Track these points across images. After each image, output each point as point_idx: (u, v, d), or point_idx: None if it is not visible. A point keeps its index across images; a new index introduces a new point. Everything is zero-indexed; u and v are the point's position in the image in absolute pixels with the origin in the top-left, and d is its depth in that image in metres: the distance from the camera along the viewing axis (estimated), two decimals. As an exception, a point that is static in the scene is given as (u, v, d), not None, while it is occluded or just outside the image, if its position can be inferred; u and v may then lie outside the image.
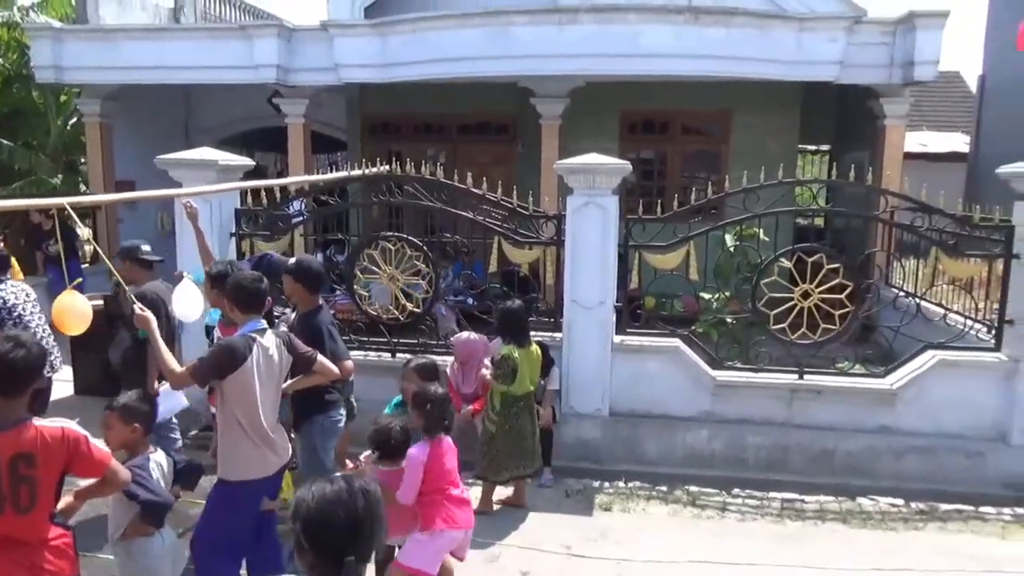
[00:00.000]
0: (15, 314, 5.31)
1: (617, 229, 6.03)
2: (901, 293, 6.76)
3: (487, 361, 5.41)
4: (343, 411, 4.47)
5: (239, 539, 3.67)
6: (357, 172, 6.66)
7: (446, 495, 3.72)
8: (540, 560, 4.61)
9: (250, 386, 3.51)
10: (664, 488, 5.65)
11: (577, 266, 5.99)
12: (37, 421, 2.68)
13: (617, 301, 6.11)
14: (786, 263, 6.01)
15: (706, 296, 6.59)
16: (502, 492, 5.35)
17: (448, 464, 3.77)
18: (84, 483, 3.00)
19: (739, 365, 6.13)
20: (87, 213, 12.43)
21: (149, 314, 3.53)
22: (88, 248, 10.51)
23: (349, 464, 5.75)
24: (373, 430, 3.80)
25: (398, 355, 6.39)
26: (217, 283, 4.02)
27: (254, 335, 3.58)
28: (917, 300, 6.22)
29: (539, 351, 5.36)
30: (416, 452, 3.70)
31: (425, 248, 6.26)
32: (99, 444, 2.87)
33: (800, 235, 9.42)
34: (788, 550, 4.80)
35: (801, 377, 5.93)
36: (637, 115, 11.30)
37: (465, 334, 5.76)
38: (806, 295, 5.90)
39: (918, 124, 15.43)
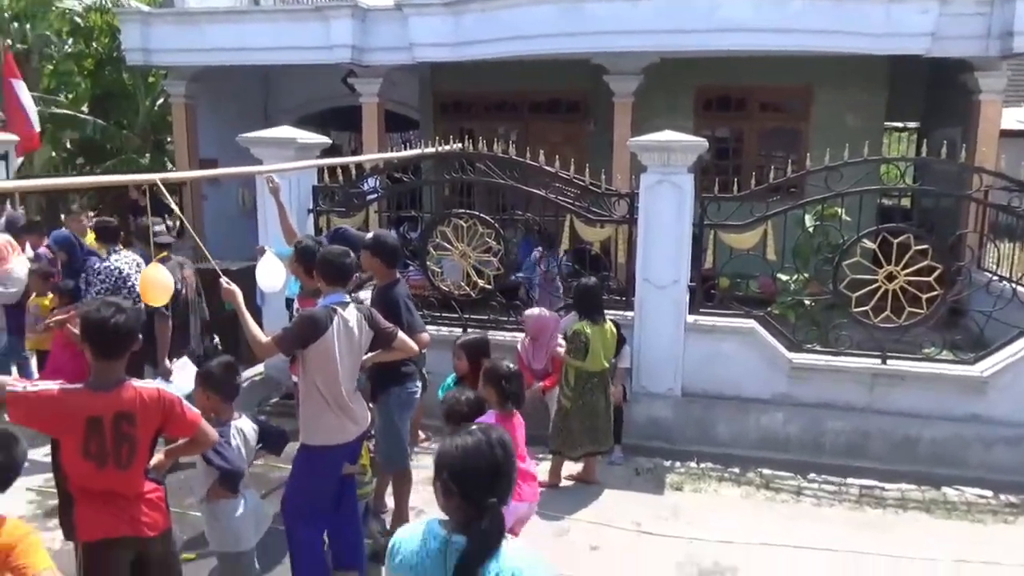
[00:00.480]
0: (128, 284, 5.59)
1: (692, 208, 5.92)
2: (995, 277, 6.43)
3: (560, 338, 5.42)
4: (419, 383, 4.55)
5: (321, 503, 3.79)
6: (430, 150, 6.73)
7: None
8: (610, 536, 4.61)
9: (331, 356, 3.61)
10: (736, 470, 5.57)
11: (650, 245, 5.91)
12: (135, 383, 2.83)
13: (691, 281, 6.01)
14: (870, 244, 5.79)
15: (784, 277, 6.41)
16: (572, 468, 5.37)
17: (516, 438, 3.79)
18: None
19: (818, 348, 5.96)
20: (174, 190, 12.98)
21: (235, 288, 3.69)
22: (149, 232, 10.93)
23: (421, 435, 5.91)
24: (444, 403, 3.84)
25: (469, 330, 6.47)
26: (303, 257, 4.12)
27: (336, 307, 3.67)
28: (1013, 284, 5.91)
29: (614, 329, 5.33)
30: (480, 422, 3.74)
31: (496, 225, 6.29)
32: (191, 407, 3.00)
33: (884, 215, 9.03)
34: (866, 537, 4.67)
35: (884, 362, 5.72)
36: (713, 91, 11.01)
37: (536, 310, 5.79)
38: (891, 277, 5.68)
39: (1016, 100, 14.55)
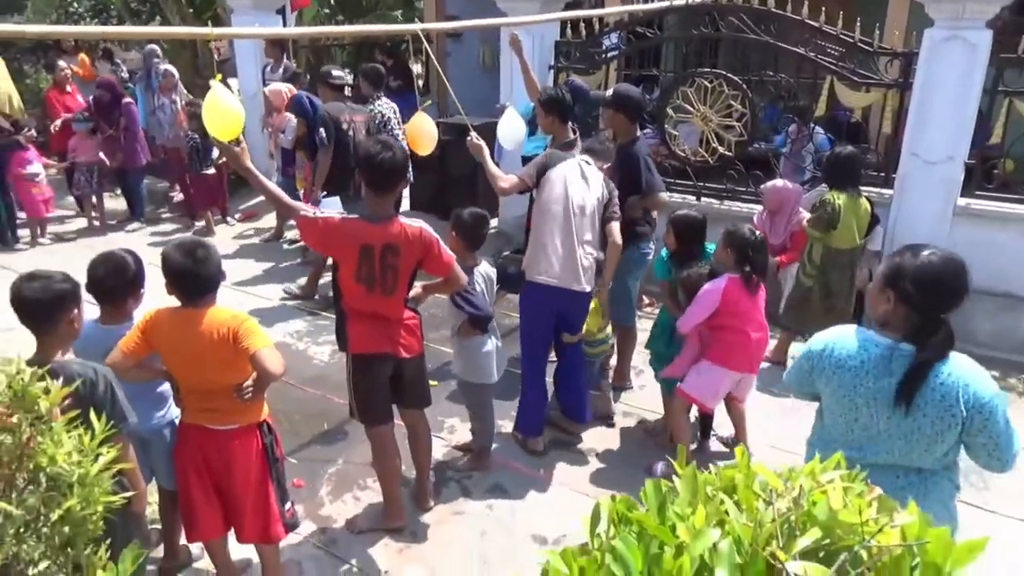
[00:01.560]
0: (388, 128, 6.13)
1: (984, 71, 5.07)
2: None
3: (803, 212, 5.08)
4: (651, 244, 4.53)
5: (537, 343, 4.03)
6: (679, 1, 6.30)
7: (738, 334, 3.65)
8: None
9: (558, 196, 3.76)
10: (996, 374, 5.01)
11: (924, 113, 5.20)
12: (402, 219, 3.10)
13: (968, 158, 5.26)
14: None
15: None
16: (796, 349, 5.15)
17: (745, 305, 3.67)
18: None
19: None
20: (418, 49, 13.55)
21: (482, 143, 3.90)
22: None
23: (645, 299, 5.95)
24: (688, 278, 3.78)
25: (703, 199, 6.25)
26: (549, 107, 4.16)
27: (574, 154, 3.83)
28: None
29: (868, 205, 4.86)
30: (710, 285, 3.66)
31: (745, 87, 5.86)
32: (447, 249, 3.24)
33: None
34: None
35: None
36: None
37: (779, 181, 5.43)
38: None
39: None
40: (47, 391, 1.91)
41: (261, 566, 3.09)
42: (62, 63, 8.96)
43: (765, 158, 6.54)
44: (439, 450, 3.98)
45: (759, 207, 5.60)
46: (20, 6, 15.91)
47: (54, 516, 1.83)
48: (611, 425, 4.40)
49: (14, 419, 1.82)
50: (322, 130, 5.92)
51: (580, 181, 3.83)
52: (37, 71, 12.26)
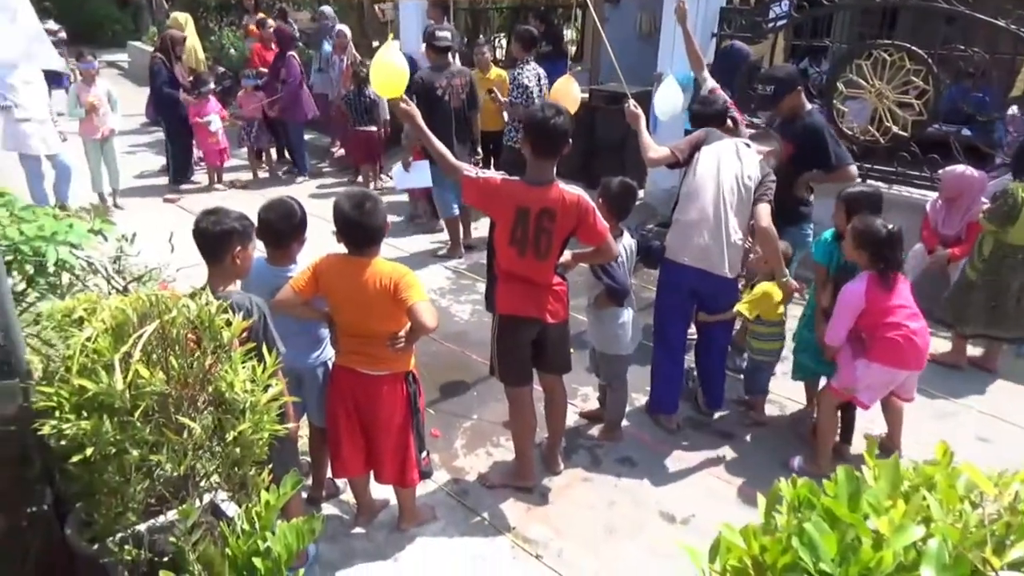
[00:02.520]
0: (528, 94, 6.15)
1: None
2: None
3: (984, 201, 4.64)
4: (811, 226, 4.32)
5: (672, 323, 3.94)
6: (861, -32, 5.85)
7: (895, 328, 3.41)
8: (1002, 431, 4.08)
9: (709, 175, 3.66)
10: None
11: None
12: (561, 185, 3.12)
13: None
14: None
15: None
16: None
17: (895, 300, 3.41)
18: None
19: None
20: (570, 16, 13.41)
21: (640, 112, 3.88)
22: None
23: (794, 283, 5.67)
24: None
25: (869, 182, 5.84)
26: (699, 121, 4.10)
27: (718, 131, 3.77)
28: None
29: (1060, 202, 4.36)
30: (851, 287, 3.44)
31: (930, 62, 5.38)
32: (602, 219, 3.22)
33: None
34: None
35: None
36: None
37: (961, 167, 4.96)
38: None
39: None
40: (228, 323, 2.09)
41: (398, 506, 3.26)
42: (270, 21, 9.50)
43: (945, 141, 6.00)
44: (571, 417, 4.01)
45: (933, 194, 5.16)
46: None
47: (228, 437, 2.01)
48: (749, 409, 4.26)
49: (201, 345, 2.01)
50: (415, 95, 5.68)
51: (734, 161, 3.69)
52: (220, 28, 13.22)
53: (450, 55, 6.32)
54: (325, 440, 3.23)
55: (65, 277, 2.93)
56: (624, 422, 4.04)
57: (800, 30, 6.99)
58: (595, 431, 4.04)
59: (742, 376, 4.32)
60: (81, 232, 2.80)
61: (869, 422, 4.02)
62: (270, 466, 2.24)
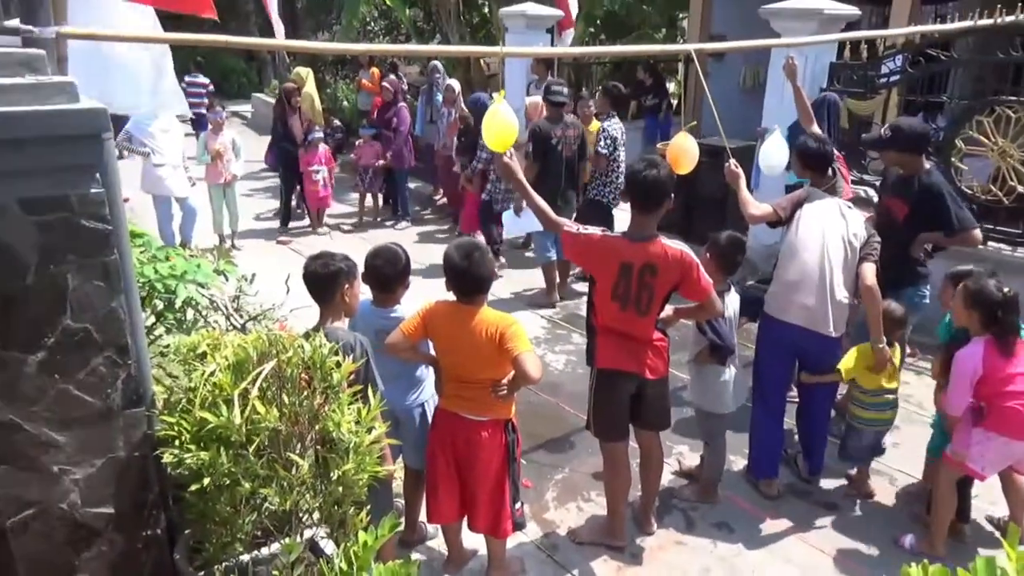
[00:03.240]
0: (616, 147, 6.25)
1: None
2: None
3: None
4: (928, 288, 4.11)
5: (771, 382, 3.81)
6: (984, 22, 5.63)
7: (1017, 399, 3.15)
8: None
9: (812, 235, 3.59)
10: None
11: None
12: (663, 240, 3.11)
13: None
14: None
15: None
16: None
17: (1017, 368, 3.17)
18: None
19: None
20: (674, 69, 13.47)
21: (740, 171, 3.89)
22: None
23: (908, 350, 5.37)
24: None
25: (990, 243, 5.52)
26: (807, 161, 3.98)
27: (819, 190, 3.71)
28: None
29: None
30: (965, 352, 3.23)
31: (1061, 119, 5.09)
32: (705, 275, 3.18)
33: None
34: None
35: None
36: None
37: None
38: None
39: None
40: (338, 364, 2.17)
41: (488, 556, 3.25)
42: (393, 76, 10.07)
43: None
44: (665, 476, 3.91)
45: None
46: (329, 25, 18.28)
47: (333, 476, 2.08)
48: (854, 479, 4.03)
49: (312, 385, 2.09)
50: (530, 144, 6.18)
51: (839, 220, 3.60)
52: (336, 81, 14.00)
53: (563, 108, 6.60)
54: (419, 483, 3.27)
55: (190, 313, 3.13)
56: (721, 484, 3.90)
57: (914, 85, 6.76)
58: (691, 492, 3.92)
59: None
60: (207, 272, 2.99)
61: (991, 504, 3.73)
62: (367, 507, 2.30)
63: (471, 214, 7.46)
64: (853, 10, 6.39)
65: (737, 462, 4.12)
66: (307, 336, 2.30)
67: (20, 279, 1.98)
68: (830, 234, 3.57)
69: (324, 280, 2.80)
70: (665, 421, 3.46)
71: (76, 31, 2.33)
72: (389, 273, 3.11)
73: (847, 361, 3.69)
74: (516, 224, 6.62)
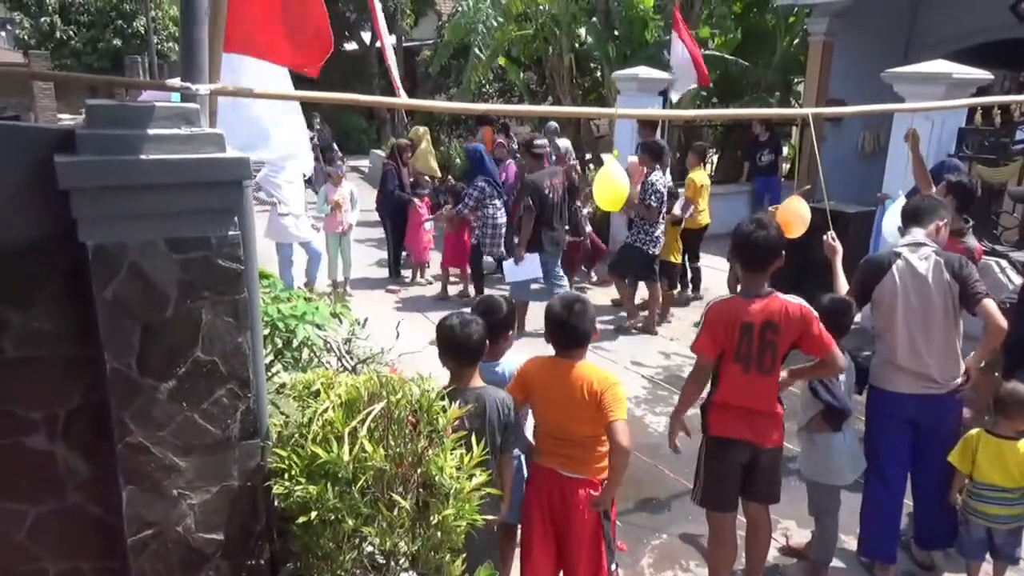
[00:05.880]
0: (663, 201, 6.70)
1: None
2: None
3: None
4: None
5: (885, 456, 3.56)
6: None
7: None
8: None
9: (890, 303, 3.40)
10: None
11: None
12: (780, 296, 3.05)
13: None
14: None
15: None
16: None
17: None
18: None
19: None
20: (788, 133, 13.22)
21: (839, 246, 3.78)
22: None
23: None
24: None
25: None
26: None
27: (903, 250, 3.42)
28: None
29: None
30: None
31: None
32: (824, 330, 3.07)
33: None
34: None
35: None
36: None
37: None
38: None
39: None
40: (444, 410, 2.21)
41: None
42: (502, 137, 10.45)
43: None
44: (771, 552, 3.70)
45: None
46: (447, 87, 19.16)
47: (433, 520, 2.10)
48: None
49: (419, 428, 2.14)
50: (528, 197, 6.57)
51: (911, 283, 3.37)
52: (450, 140, 14.58)
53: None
54: (511, 537, 3.23)
55: (305, 353, 3.28)
56: (833, 565, 3.65)
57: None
58: (798, 570, 3.69)
59: None
60: (324, 314, 3.14)
61: None
62: (463, 555, 2.29)
63: (452, 249, 8.28)
64: (985, 74, 6.13)
65: (850, 542, 3.86)
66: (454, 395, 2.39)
67: (162, 312, 2.14)
68: (909, 295, 3.37)
69: (478, 344, 2.78)
70: (776, 493, 3.30)
71: (228, 88, 2.55)
72: (490, 324, 3.14)
73: (954, 454, 3.43)
74: (516, 272, 6.81)
